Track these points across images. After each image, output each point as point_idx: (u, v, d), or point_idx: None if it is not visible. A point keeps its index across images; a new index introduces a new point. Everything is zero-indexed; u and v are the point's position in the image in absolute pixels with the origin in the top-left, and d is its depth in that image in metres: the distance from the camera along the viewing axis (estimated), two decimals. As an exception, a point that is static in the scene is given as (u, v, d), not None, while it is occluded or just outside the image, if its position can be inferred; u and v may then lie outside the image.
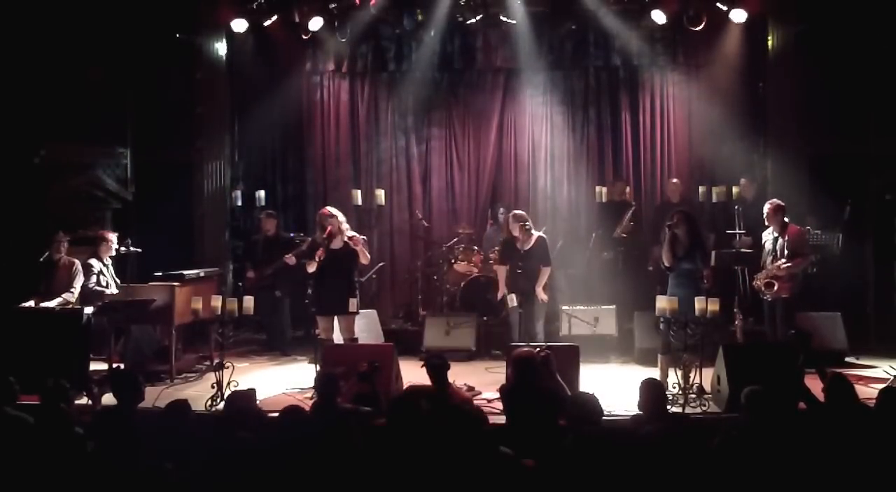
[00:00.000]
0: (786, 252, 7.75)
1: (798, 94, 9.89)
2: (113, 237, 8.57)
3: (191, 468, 4.10)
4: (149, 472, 4.01)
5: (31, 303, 8.08)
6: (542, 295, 7.97)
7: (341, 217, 7.72)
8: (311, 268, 7.56)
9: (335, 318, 7.68)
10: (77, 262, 8.29)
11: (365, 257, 7.69)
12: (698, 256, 7.43)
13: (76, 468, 4.20)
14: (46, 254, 8.29)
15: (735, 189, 9.73)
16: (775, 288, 7.75)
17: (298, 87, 10.97)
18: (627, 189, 10.28)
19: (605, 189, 10.32)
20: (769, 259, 7.87)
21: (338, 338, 7.73)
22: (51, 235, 8.42)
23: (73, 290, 8.19)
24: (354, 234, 7.78)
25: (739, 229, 8.85)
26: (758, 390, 4.69)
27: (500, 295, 8.29)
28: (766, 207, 7.92)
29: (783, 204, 7.93)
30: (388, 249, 10.95)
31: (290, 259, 9.16)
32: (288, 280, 9.43)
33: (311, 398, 6.83)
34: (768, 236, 7.94)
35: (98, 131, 10.27)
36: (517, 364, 5.59)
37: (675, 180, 10.04)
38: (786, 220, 7.90)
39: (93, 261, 8.33)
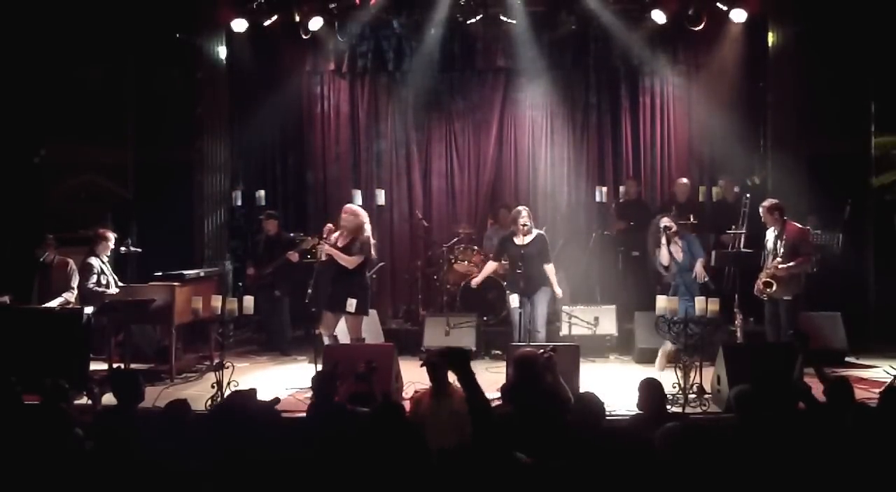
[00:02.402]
0: (781, 251, 7.69)
1: (798, 94, 9.89)
2: (111, 235, 8.56)
3: (189, 467, 4.10)
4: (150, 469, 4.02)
5: (6, 299, 8.05)
6: (558, 291, 8.04)
7: (364, 216, 7.65)
8: (350, 263, 7.55)
9: (338, 317, 7.66)
10: (71, 261, 8.28)
11: (345, 261, 7.55)
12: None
13: (75, 468, 4.20)
14: (42, 258, 8.26)
15: (735, 188, 9.75)
16: (773, 288, 7.69)
17: (298, 87, 10.97)
18: (602, 190, 10.34)
19: (605, 189, 10.35)
20: (769, 259, 7.83)
21: (343, 338, 7.73)
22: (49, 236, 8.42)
23: (72, 289, 8.18)
24: (369, 236, 7.74)
25: (737, 228, 8.84)
26: (746, 390, 4.69)
27: (476, 281, 8.54)
28: (761, 208, 7.88)
29: (778, 202, 7.87)
30: (388, 249, 10.95)
31: (294, 256, 9.19)
32: (288, 280, 9.44)
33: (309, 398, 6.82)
34: (770, 236, 7.90)
35: (98, 131, 10.29)
36: (518, 364, 5.58)
37: (684, 180, 9.99)
38: (785, 218, 7.86)
39: (92, 260, 8.31)
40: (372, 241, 7.72)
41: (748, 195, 9.03)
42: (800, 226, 8.01)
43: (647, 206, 10.23)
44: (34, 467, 4.21)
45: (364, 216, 7.69)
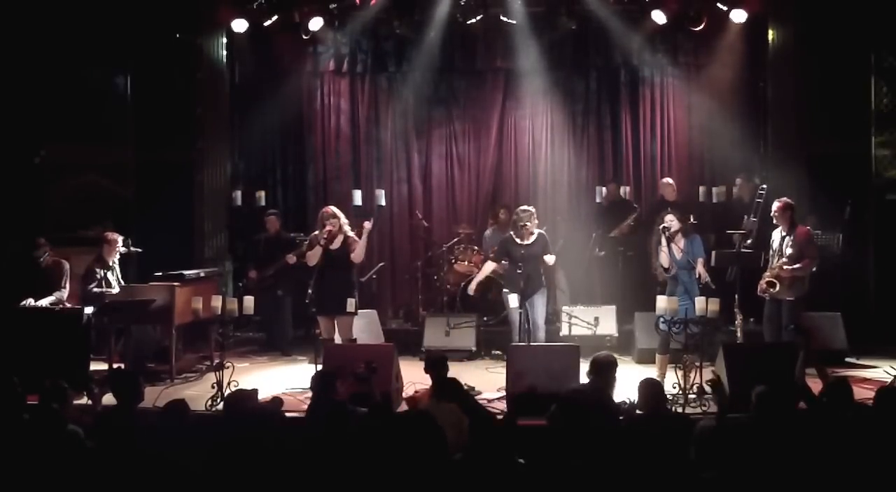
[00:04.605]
0: (788, 252, 7.67)
1: (798, 94, 9.89)
2: (117, 238, 8.53)
3: (189, 467, 4.10)
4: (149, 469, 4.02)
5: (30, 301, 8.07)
6: (550, 259, 7.94)
7: (343, 219, 7.74)
8: (312, 262, 7.58)
9: (334, 318, 7.68)
10: (65, 261, 8.28)
11: (357, 257, 7.64)
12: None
13: (72, 468, 4.20)
14: (41, 259, 8.26)
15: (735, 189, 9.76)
16: (776, 289, 7.67)
17: (298, 87, 10.96)
18: (625, 189, 10.33)
19: (605, 189, 10.35)
20: (774, 258, 7.80)
21: (337, 338, 7.74)
22: (49, 236, 8.42)
23: (63, 288, 8.19)
24: (355, 237, 7.74)
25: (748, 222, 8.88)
26: (768, 390, 4.70)
27: (472, 288, 8.36)
28: (775, 205, 7.80)
29: (792, 202, 7.79)
30: (388, 249, 10.95)
31: (291, 258, 9.22)
32: (290, 280, 9.45)
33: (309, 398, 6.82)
34: (776, 235, 7.86)
35: (98, 131, 10.28)
36: (597, 366, 5.52)
37: (667, 180, 9.97)
38: (794, 220, 7.83)
39: (96, 268, 8.29)
40: (353, 234, 7.77)
41: (763, 186, 9.04)
42: (807, 228, 7.98)
43: (631, 205, 10.19)
44: (28, 467, 4.21)
45: (341, 214, 7.76)
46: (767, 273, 7.77)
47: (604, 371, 5.46)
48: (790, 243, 7.66)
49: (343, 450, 4.22)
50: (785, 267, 7.60)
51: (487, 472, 3.70)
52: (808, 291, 7.80)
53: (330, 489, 3.99)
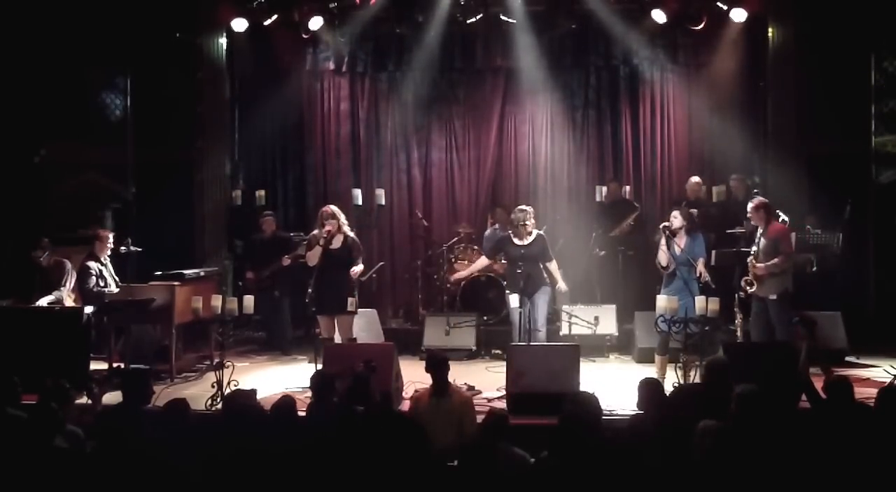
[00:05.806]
0: (759, 249, 7.69)
1: (798, 93, 9.89)
2: (108, 234, 8.54)
3: (189, 467, 4.10)
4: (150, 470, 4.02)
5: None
6: (563, 285, 8.10)
7: (342, 218, 7.74)
8: (312, 262, 7.58)
9: (334, 318, 7.69)
10: (67, 261, 8.29)
11: (360, 269, 7.76)
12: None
13: (71, 467, 4.20)
14: (41, 259, 8.26)
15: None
16: (753, 287, 7.69)
17: (298, 87, 10.96)
18: (626, 188, 10.32)
19: (605, 188, 10.35)
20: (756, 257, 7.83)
21: (337, 338, 7.74)
22: (50, 236, 8.42)
23: (63, 288, 8.20)
24: (354, 237, 7.78)
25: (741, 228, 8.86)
26: (751, 390, 4.69)
27: (459, 275, 8.62)
28: (749, 206, 7.88)
29: (766, 201, 7.86)
30: (388, 248, 10.95)
31: (286, 260, 9.24)
32: (288, 280, 9.45)
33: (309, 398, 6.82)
34: (758, 234, 7.90)
35: (98, 131, 10.30)
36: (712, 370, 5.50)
37: (696, 179, 9.89)
38: (770, 217, 7.83)
39: (91, 263, 8.30)
40: (352, 234, 7.78)
41: (756, 191, 9.03)
42: (780, 225, 7.98)
43: (632, 204, 10.20)
44: (26, 465, 4.22)
45: (340, 213, 7.76)
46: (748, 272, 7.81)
47: (719, 374, 5.42)
48: (763, 241, 7.68)
49: (343, 451, 4.22)
50: (758, 265, 7.63)
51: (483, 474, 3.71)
52: (790, 288, 7.77)
53: (329, 489, 3.99)
